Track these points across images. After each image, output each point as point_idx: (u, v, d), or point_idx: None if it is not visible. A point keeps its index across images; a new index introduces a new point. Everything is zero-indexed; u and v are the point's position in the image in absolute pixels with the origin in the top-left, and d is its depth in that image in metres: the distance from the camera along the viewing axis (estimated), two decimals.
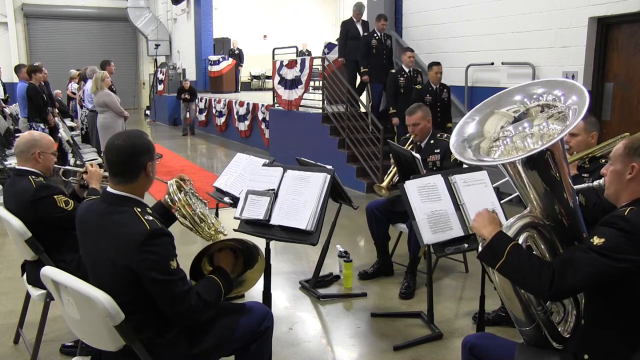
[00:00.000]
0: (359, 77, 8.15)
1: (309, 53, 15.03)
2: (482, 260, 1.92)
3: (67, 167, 3.63)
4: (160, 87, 16.40)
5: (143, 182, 2.06)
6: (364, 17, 8.57)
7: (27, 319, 3.18)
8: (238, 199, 3.35)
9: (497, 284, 1.94)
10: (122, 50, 19.97)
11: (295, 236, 2.99)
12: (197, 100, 14.05)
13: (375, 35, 7.77)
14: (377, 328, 3.46)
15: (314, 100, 8.74)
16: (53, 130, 7.67)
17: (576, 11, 5.84)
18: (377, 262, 4.28)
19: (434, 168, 3.99)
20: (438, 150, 4.05)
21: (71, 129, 9.43)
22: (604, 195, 1.96)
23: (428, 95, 6.63)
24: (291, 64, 8.77)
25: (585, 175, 2.96)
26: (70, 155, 7.32)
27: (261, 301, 2.89)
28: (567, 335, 1.99)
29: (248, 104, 11.24)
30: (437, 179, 3.17)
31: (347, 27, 8.46)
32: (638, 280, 1.70)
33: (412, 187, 3.13)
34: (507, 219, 2.12)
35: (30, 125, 7.43)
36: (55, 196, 2.83)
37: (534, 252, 1.99)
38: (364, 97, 8.34)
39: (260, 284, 2.48)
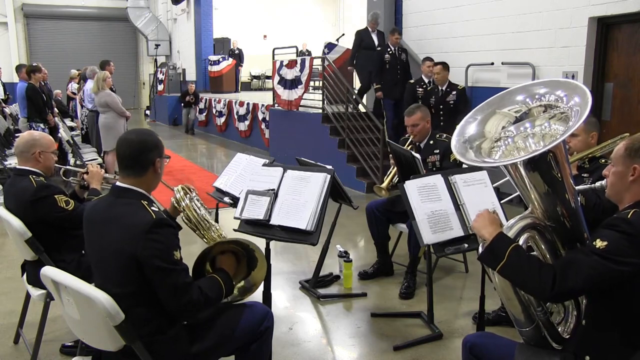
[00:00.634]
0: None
1: (309, 53, 15.03)
2: (483, 262, 1.92)
3: (67, 167, 3.64)
4: (160, 87, 16.39)
5: (151, 177, 2.14)
6: (364, 19, 8.52)
7: (27, 319, 3.18)
8: (238, 199, 3.35)
9: (497, 284, 1.94)
10: (122, 50, 19.97)
11: (295, 236, 2.99)
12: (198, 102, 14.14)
13: (389, 49, 7.52)
14: (377, 328, 3.46)
15: (314, 100, 8.74)
16: (53, 130, 7.67)
17: (576, 11, 5.84)
18: (377, 262, 4.28)
19: (434, 168, 3.99)
20: (437, 151, 4.05)
21: (71, 129, 9.43)
22: (605, 196, 1.95)
23: (433, 97, 6.57)
24: (291, 64, 8.76)
25: (585, 175, 2.96)
26: (70, 155, 7.32)
27: (261, 301, 2.89)
28: (567, 336, 1.99)
29: (248, 104, 11.24)
30: (437, 179, 3.17)
31: (362, 36, 8.18)
32: (639, 282, 1.70)
33: (412, 187, 3.13)
34: (507, 219, 2.12)
35: (30, 125, 7.43)
36: (55, 196, 2.83)
37: (535, 253, 1.99)
38: (365, 100, 8.35)
39: (260, 284, 2.49)
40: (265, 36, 18.26)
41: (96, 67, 7.91)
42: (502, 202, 3.17)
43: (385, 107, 7.77)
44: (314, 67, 8.66)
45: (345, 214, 5.52)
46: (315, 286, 4.01)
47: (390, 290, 4.03)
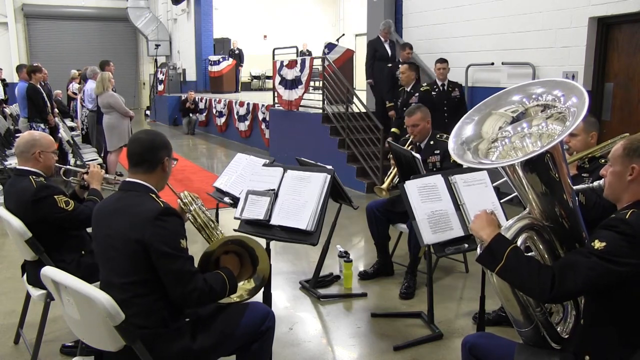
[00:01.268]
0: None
1: (309, 53, 15.03)
2: (481, 264, 1.92)
3: (68, 166, 3.64)
4: (160, 88, 16.39)
5: (159, 175, 2.21)
6: (365, 19, 8.48)
7: (28, 319, 3.18)
8: (238, 199, 3.35)
9: (496, 285, 1.94)
10: (122, 51, 19.98)
11: (295, 236, 2.99)
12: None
13: (435, 87, 6.81)
14: (377, 328, 3.46)
15: (314, 101, 8.74)
16: (53, 131, 7.68)
17: (576, 11, 5.84)
18: (377, 262, 4.28)
19: (434, 169, 3.99)
20: (438, 151, 4.05)
21: (71, 129, 9.43)
22: (603, 195, 1.96)
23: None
24: (291, 64, 8.77)
25: (585, 175, 2.97)
26: (70, 156, 7.33)
27: (261, 301, 2.89)
28: (566, 336, 2.00)
29: (248, 104, 11.25)
30: (437, 179, 3.17)
31: (375, 46, 7.84)
32: (638, 282, 1.70)
33: (412, 187, 3.13)
34: (507, 219, 2.12)
35: (31, 126, 7.44)
36: (55, 196, 2.84)
37: (533, 254, 1.99)
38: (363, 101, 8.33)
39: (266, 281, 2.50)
40: (265, 36, 18.26)
41: (96, 67, 7.92)
42: (502, 201, 3.17)
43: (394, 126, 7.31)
44: (314, 67, 8.66)
45: (345, 214, 5.53)
46: (316, 286, 4.01)
47: (390, 290, 4.03)
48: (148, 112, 17.85)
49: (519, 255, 1.80)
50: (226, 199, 3.82)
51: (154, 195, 2.12)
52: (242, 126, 11.55)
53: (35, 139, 2.97)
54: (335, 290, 4.07)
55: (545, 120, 1.90)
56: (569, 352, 1.90)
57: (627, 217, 1.72)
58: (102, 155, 7.71)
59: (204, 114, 13.98)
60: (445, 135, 4.08)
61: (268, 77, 17.48)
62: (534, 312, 1.94)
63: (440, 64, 6.61)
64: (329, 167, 3.34)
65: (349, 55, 10.20)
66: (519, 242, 1.90)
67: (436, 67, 6.70)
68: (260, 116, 10.52)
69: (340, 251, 4.27)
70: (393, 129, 6.72)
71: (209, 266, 2.29)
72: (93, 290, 1.92)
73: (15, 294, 3.82)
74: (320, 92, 8.32)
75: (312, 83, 9.45)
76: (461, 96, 6.64)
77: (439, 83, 6.62)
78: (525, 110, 1.96)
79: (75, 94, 10.69)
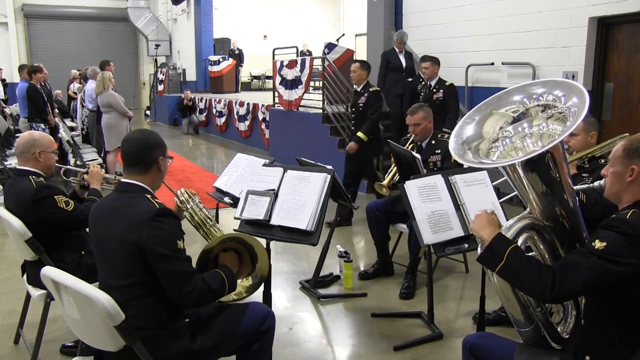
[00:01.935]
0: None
1: (310, 53, 15.03)
2: (482, 264, 1.92)
3: (68, 166, 3.64)
4: (160, 88, 16.40)
5: (155, 175, 2.20)
6: (365, 19, 8.44)
7: (28, 319, 3.18)
8: (238, 199, 3.35)
9: (496, 285, 1.94)
10: (122, 51, 19.98)
11: (295, 236, 2.99)
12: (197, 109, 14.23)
13: (421, 80, 6.62)
14: (377, 328, 3.46)
15: (314, 101, 8.74)
16: (53, 131, 7.68)
17: (576, 11, 5.84)
18: (377, 262, 4.28)
19: (435, 168, 3.99)
20: (439, 151, 4.04)
21: (71, 129, 9.43)
22: (604, 195, 1.96)
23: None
24: (291, 64, 8.76)
25: (585, 175, 2.97)
26: (70, 156, 7.33)
27: (261, 301, 2.89)
28: (566, 336, 2.00)
29: (248, 104, 11.25)
30: (437, 179, 3.17)
31: (389, 57, 7.54)
32: (638, 283, 1.70)
33: (412, 187, 3.13)
34: (507, 219, 2.12)
35: (31, 126, 7.44)
36: (55, 196, 2.84)
37: (534, 254, 1.99)
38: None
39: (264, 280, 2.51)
40: (265, 36, 18.27)
41: (97, 67, 7.92)
42: (501, 201, 3.17)
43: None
44: (314, 67, 8.66)
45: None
46: (316, 286, 4.01)
47: (390, 290, 4.03)
48: (148, 112, 17.85)
49: (520, 255, 1.80)
50: (226, 199, 3.82)
51: (149, 196, 2.11)
52: (242, 126, 11.55)
53: (35, 139, 2.97)
54: (335, 290, 4.07)
55: (546, 120, 1.90)
56: (569, 352, 1.90)
57: (627, 217, 1.72)
58: (102, 155, 7.71)
59: (204, 114, 13.98)
60: (446, 135, 4.08)
61: (268, 77, 17.49)
62: (535, 312, 1.94)
63: (422, 63, 6.28)
64: (329, 167, 3.34)
65: (349, 55, 10.18)
66: (520, 242, 1.90)
67: (420, 66, 6.42)
68: (260, 116, 10.52)
69: (340, 251, 4.27)
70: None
71: (207, 264, 2.29)
72: (93, 290, 1.91)
73: (15, 294, 3.82)
74: (320, 92, 8.31)
75: (312, 83, 9.44)
76: (445, 98, 6.17)
77: (428, 83, 6.32)
78: (526, 110, 1.96)
79: (76, 93, 10.69)
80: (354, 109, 5.92)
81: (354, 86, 6.06)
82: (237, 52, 16.03)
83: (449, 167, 3.79)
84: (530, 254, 1.97)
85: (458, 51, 7.37)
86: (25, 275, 3.08)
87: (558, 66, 6.05)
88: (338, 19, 20.14)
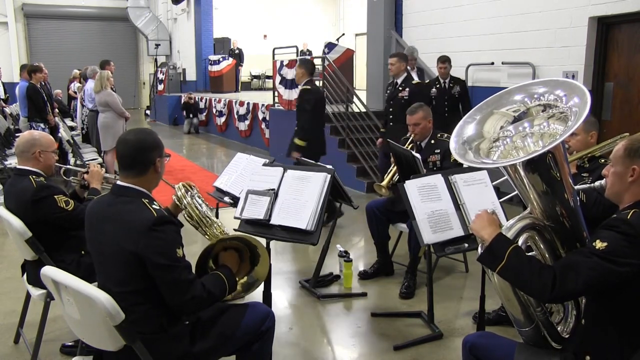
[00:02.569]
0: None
1: (310, 53, 15.03)
2: (482, 263, 1.92)
3: (68, 166, 3.64)
4: (160, 87, 16.40)
5: (151, 177, 2.13)
6: (365, 19, 8.38)
7: (28, 319, 3.18)
8: (238, 198, 3.35)
9: (496, 284, 1.94)
10: (122, 50, 19.96)
11: (295, 236, 2.99)
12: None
13: (436, 82, 6.64)
14: (377, 328, 3.46)
15: None
16: (53, 130, 7.68)
17: (576, 11, 5.84)
18: (377, 262, 4.28)
19: (434, 168, 3.98)
20: (438, 151, 4.04)
21: (71, 128, 9.43)
22: (605, 195, 1.96)
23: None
24: (291, 64, 8.77)
25: (585, 174, 2.97)
26: (70, 155, 7.32)
27: (261, 301, 2.89)
28: (567, 336, 1.99)
29: (248, 103, 11.24)
30: (437, 179, 3.17)
31: None
32: (639, 283, 1.70)
33: (412, 187, 3.13)
34: (507, 219, 2.12)
35: (31, 125, 7.44)
36: (55, 196, 2.84)
37: (534, 254, 1.99)
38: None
39: (260, 284, 2.49)
40: (265, 36, 18.26)
41: (97, 67, 7.92)
42: (501, 201, 3.17)
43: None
44: None
45: (345, 214, 5.53)
46: (316, 286, 4.01)
47: (390, 290, 4.03)
48: (148, 112, 17.85)
49: (520, 255, 1.80)
50: (226, 199, 3.82)
51: (147, 201, 2.03)
52: (242, 126, 11.55)
53: (35, 139, 2.97)
54: (335, 290, 4.07)
55: (547, 119, 1.90)
56: (569, 352, 1.89)
57: (628, 217, 1.72)
58: (102, 154, 7.71)
59: (204, 114, 13.98)
60: (446, 135, 4.08)
61: (268, 77, 17.49)
62: (535, 312, 1.94)
63: (441, 64, 6.65)
64: (329, 166, 3.34)
65: (349, 55, 10.21)
66: (520, 241, 1.90)
67: (437, 67, 6.75)
68: (260, 116, 10.52)
69: (340, 251, 4.27)
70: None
71: (207, 263, 2.28)
72: (93, 290, 1.91)
73: (15, 293, 3.82)
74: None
75: None
76: (463, 92, 6.66)
77: (441, 80, 6.67)
78: (526, 109, 1.95)
79: (76, 93, 10.69)
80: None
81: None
82: (237, 51, 16.03)
83: (448, 167, 3.79)
84: (530, 253, 1.97)
85: (458, 51, 7.36)
86: (25, 275, 3.08)
87: (558, 66, 6.06)
88: (338, 19, 20.13)
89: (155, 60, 17.82)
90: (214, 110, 13.23)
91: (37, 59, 15.25)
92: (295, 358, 3.13)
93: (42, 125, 7.49)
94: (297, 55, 10.59)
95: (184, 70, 17.42)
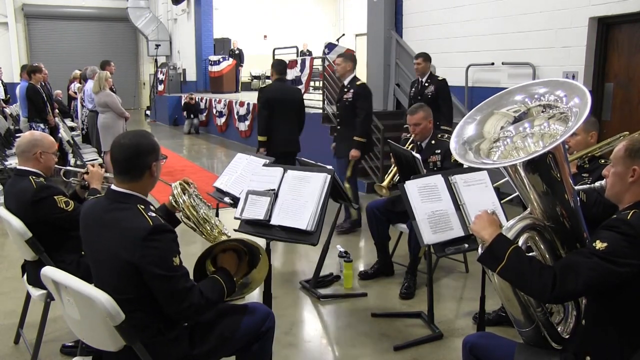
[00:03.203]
0: None
1: (310, 53, 15.03)
2: (483, 264, 1.92)
3: (68, 167, 3.64)
4: (160, 88, 16.40)
5: (147, 182, 2.09)
6: (365, 19, 8.35)
7: (28, 319, 3.18)
8: (238, 199, 3.35)
9: (497, 285, 1.94)
10: (122, 51, 19.96)
11: (295, 236, 2.99)
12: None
13: (415, 82, 6.25)
14: (377, 328, 3.46)
15: (314, 100, 8.74)
16: (53, 131, 7.67)
17: (576, 11, 5.84)
18: (378, 262, 4.28)
19: (435, 168, 3.99)
20: (439, 151, 4.04)
21: (71, 129, 9.43)
22: (605, 196, 1.96)
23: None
24: (291, 64, 8.77)
25: (585, 174, 2.97)
26: (70, 156, 7.32)
27: (261, 301, 2.89)
28: (567, 336, 1.99)
29: (248, 104, 11.24)
30: (438, 179, 3.17)
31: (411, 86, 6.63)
32: (639, 283, 1.70)
33: (413, 187, 3.13)
34: (507, 219, 2.12)
35: (31, 126, 7.44)
36: (55, 197, 2.84)
37: (534, 254, 1.99)
38: None
39: (260, 285, 2.49)
40: (265, 36, 18.26)
41: (97, 67, 7.92)
42: (502, 202, 3.17)
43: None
44: (314, 67, 8.66)
45: (345, 215, 5.53)
46: (316, 286, 4.01)
47: (390, 290, 4.03)
48: (148, 112, 17.86)
49: (520, 255, 1.80)
50: (226, 199, 3.81)
51: (142, 207, 1.99)
52: (242, 126, 11.54)
53: (36, 139, 2.97)
54: (335, 290, 4.07)
55: (547, 120, 1.90)
56: (569, 352, 1.90)
57: (628, 217, 1.72)
58: (102, 155, 7.71)
59: (204, 114, 13.99)
60: (446, 135, 4.08)
61: (268, 77, 17.45)
62: (535, 312, 1.94)
63: (416, 60, 6.06)
64: (329, 167, 3.34)
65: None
66: (520, 242, 1.90)
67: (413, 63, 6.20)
68: None
69: (340, 251, 4.27)
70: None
71: (205, 265, 2.27)
72: (93, 290, 1.91)
73: (15, 294, 3.82)
74: (321, 92, 8.31)
75: (312, 83, 9.46)
76: (438, 92, 5.86)
77: (419, 79, 6.08)
78: (527, 110, 1.96)
79: (76, 93, 10.70)
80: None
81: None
82: (237, 52, 16.03)
83: (448, 167, 3.79)
84: (531, 254, 1.97)
85: (458, 51, 7.37)
86: (25, 275, 3.08)
87: (558, 66, 6.06)
88: (338, 19, 20.13)
89: (156, 60, 17.82)
90: (214, 111, 13.23)
91: (37, 59, 15.25)
92: (295, 358, 3.13)
93: (42, 125, 7.49)
94: (297, 56, 10.60)
95: (184, 70, 17.42)
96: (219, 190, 3.99)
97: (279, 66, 5.62)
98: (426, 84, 5.97)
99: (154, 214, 1.99)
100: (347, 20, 19.34)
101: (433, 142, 4.12)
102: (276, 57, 9.56)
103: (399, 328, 3.45)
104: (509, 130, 1.97)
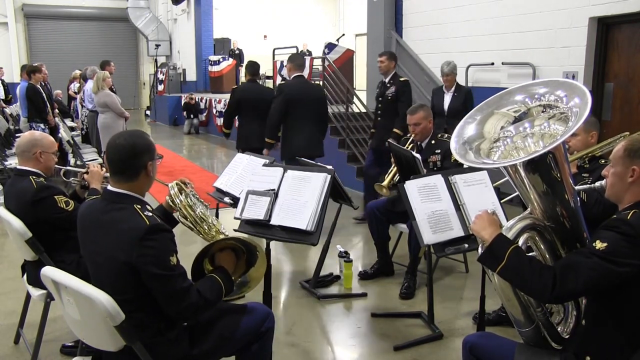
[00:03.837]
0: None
1: (310, 53, 15.02)
2: (483, 264, 1.92)
3: (68, 167, 3.64)
4: (160, 88, 16.40)
5: (143, 182, 2.08)
6: (365, 19, 8.34)
7: (28, 319, 3.18)
8: (238, 199, 3.35)
9: (497, 285, 1.94)
10: (122, 51, 19.97)
11: (295, 236, 2.99)
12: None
13: (380, 83, 5.89)
14: (377, 328, 3.46)
15: None
16: (53, 131, 7.67)
17: (576, 11, 5.84)
18: (377, 262, 4.28)
19: (435, 168, 3.98)
20: (439, 151, 4.04)
21: (71, 129, 9.43)
22: (605, 196, 1.96)
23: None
24: None
25: (585, 174, 2.97)
26: (70, 156, 7.32)
27: (261, 301, 2.89)
28: (567, 336, 1.99)
29: None
30: (437, 179, 3.17)
31: (432, 97, 6.41)
32: (639, 283, 1.70)
33: (413, 187, 3.13)
34: (507, 219, 2.12)
35: (31, 126, 7.44)
36: (55, 197, 2.83)
37: (534, 254, 1.99)
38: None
39: (260, 284, 2.49)
40: (265, 36, 18.27)
41: (97, 67, 7.92)
42: (502, 202, 3.17)
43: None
44: (314, 67, 8.66)
45: (345, 214, 5.53)
46: (316, 286, 4.01)
47: (390, 290, 4.03)
48: (148, 112, 17.86)
49: (520, 255, 1.80)
50: (226, 199, 3.82)
51: (139, 207, 1.98)
52: None
53: (36, 139, 2.97)
54: (335, 290, 4.07)
55: (548, 120, 1.90)
56: (569, 353, 1.89)
57: (628, 217, 1.72)
58: (102, 155, 7.71)
59: (204, 114, 13.99)
60: (446, 135, 4.08)
61: (268, 77, 17.46)
62: (535, 312, 1.94)
63: (379, 58, 5.73)
64: (329, 167, 3.34)
65: (349, 55, 10.21)
66: (520, 242, 1.90)
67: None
68: None
69: (340, 251, 4.27)
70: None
71: (203, 264, 2.27)
72: (93, 290, 1.91)
73: (15, 294, 3.82)
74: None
75: None
76: (396, 94, 5.54)
77: (383, 79, 5.76)
78: (527, 110, 1.96)
79: (76, 93, 10.70)
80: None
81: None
82: (237, 52, 16.03)
83: (448, 167, 3.79)
84: (531, 254, 1.97)
85: (458, 51, 7.36)
86: (25, 275, 3.08)
87: (558, 66, 6.05)
88: (338, 19, 20.14)
89: (156, 60, 17.82)
90: (214, 111, 13.22)
91: (37, 59, 15.24)
92: (295, 358, 3.13)
93: (42, 125, 7.49)
94: None
95: (184, 70, 17.42)
96: (219, 190, 3.99)
97: (252, 68, 5.89)
98: (388, 85, 5.66)
99: (150, 213, 1.99)
100: (347, 20, 19.34)
101: (433, 142, 4.12)
102: (276, 57, 9.58)
103: (399, 328, 3.45)
104: (509, 130, 1.97)
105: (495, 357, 2.01)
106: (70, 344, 3.08)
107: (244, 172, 3.81)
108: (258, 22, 18.34)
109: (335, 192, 3.80)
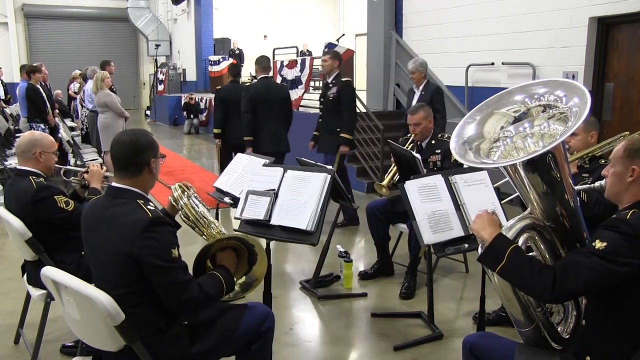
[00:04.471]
0: None
1: (310, 53, 15.02)
2: (482, 264, 1.92)
3: (68, 167, 3.64)
4: (160, 88, 16.41)
5: (147, 178, 2.12)
6: (365, 19, 8.31)
7: (28, 319, 3.18)
8: (238, 199, 3.35)
9: (497, 285, 1.94)
10: (122, 51, 19.98)
11: (295, 236, 2.99)
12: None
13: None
14: (377, 328, 3.46)
15: (314, 101, 8.73)
16: (53, 131, 7.67)
17: (576, 11, 5.84)
18: (378, 262, 4.28)
19: (435, 168, 3.99)
20: (439, 151, 4.04)
21: (71, 129, 9.43)
22: (605, 196, 1.96)
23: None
24: (291, 64, 8.77)
25: (585, 174, 2.97)
26: (70, 156, 7.32)
27: (261, 301, 2.89)
28: (567, 336, 2.00)
29: None
30: (437, 179, 3.17)
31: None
32: (639, 283, 1.70)
33: (413, 187, 3.13)
34: (507, 219, 2.12)
35: (31, 126, 7.44)
36: (55, 197, 2.83)
37: (534, 254, 2.00)
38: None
39: (260, 284, 2.49)
40: (265, 36, 18.27)
41: (97, 67, 7.92)
42: (502, 202, 3.17)
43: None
44: (314, 67, 8.66)
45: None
46: (316, 286, 4.01)
47: (390, 290, 4.03)
48: (148, 112, 17.86)
49: (520, 255, 1.80)
50: (226, 199, 3.82)
51: (142, 202, 2.03)
52: None
53: (36, 139, 2.97)
54: (335, 290, 4.07)
55: (547, 120, 1.90)
56: (569, 353, 1.90)
57: (628, 217, 1.72)
58: (102, 155, 7.71)
59: (204, 114, 13.99)
60: (446, 135, 4.08)
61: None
62: (535, 312, 1.94)
63: (322, 57, 5.64)
64: (329, 167, 3.34)
65: (349, 55, 10.16)
66: (520, 242, 1.90)
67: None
68: None
69: (340, 251, 4.27)
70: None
71: (204, 263, 2.27)
72: (93, 290, 1.91)
73: (15, 294, 3.82)
74: (321, 92, 8.31)
75: (312, 83, 9.45)
76: (338, 95, 5.37)
77: (326, 79, 5.61)
78: (527, 110, 1.96)
79: (76, 93, 10.70)
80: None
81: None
82: (237, 52, 16.03)
83: (448, 167, 3.79)
84: (530, 254, 1.97)
85: (458, 51, 7.37)
86: (25, 275, 3.08)
87: (558, 66, 6.06)
88: (338, 19, 20.14)
89: (156, 60, 17.83)
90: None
91: (37, 59, 15.24)
92: (295, 358, 3.13)
93: (42, 125, 7.49)
94: (297, 56, 10.60)
95: (184, 70, 17.43)
96: (219, 190, 3.99)
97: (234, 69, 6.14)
98: (330, 85, 5.49)
99: (152, 207, 2.03)
100: (347, 20, 19.34)
101: (433, 142, 4.12)
102: (276, 57, 9.59)
103: (399, 328, 3.45)
104: (509, 130, 1.97)
105: (495, 357, 2.01)
106: (70, 344, 3.08)
107: (244, 172, 3.81)
108: (258, 22, 18.34)
109: (335, 192, 3.80)
